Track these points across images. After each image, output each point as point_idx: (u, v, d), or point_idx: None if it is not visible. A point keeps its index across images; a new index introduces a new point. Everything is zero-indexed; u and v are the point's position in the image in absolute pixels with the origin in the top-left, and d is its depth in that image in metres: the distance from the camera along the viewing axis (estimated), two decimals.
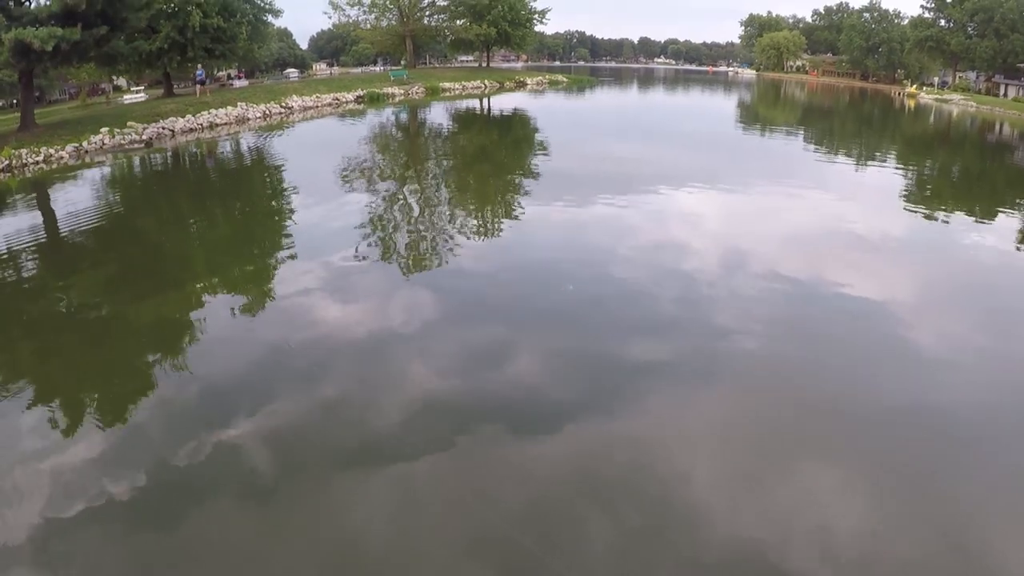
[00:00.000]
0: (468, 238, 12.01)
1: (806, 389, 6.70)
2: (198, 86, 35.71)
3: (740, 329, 7.87)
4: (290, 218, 14.39)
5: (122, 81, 58.57)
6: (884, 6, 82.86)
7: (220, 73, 73.54)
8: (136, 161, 23.40)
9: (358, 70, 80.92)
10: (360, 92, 42.68)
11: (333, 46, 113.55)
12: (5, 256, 12.15)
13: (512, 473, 5.30)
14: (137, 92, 52.16)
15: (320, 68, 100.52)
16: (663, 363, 7.11)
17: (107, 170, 21.71)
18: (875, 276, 10.10)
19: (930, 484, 5.32)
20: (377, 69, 64.16)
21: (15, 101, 52.32)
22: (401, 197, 15.99)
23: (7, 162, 22.50)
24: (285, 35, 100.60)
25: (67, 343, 8.26)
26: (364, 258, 10.80)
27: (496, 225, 13.16)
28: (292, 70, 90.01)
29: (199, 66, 35.23)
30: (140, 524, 4.87)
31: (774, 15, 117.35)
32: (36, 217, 15.61)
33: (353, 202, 15.23)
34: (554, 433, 5.81)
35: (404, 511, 4.89)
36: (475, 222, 13.44)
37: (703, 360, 7.20)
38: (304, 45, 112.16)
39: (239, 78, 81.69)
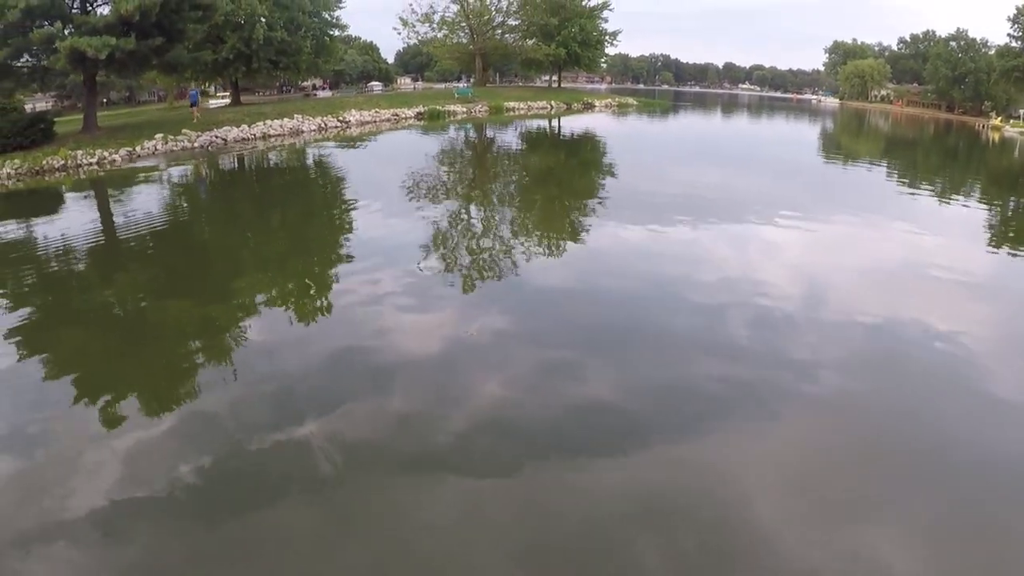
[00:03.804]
0: (537, 258, 11.80)
1: (878, 430, 6.44)
2: (192, 108, 32.37)
3: (814, 364, 7.63)
4: (339, 230, 14.51)
5: (210, 86, 61.82)
6: (972, 34, 78.09)
7: (305, 83, 76.85)
8: (184, 167, 24.07)
9: (441, 85, 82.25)
10: (420, 108, 42.99)
11: (418, 61, 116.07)
12: (61, 252, 12.85)
13: (572, 492, 5.31)
14: (224, 98, 54.93)
15: (404, 82, 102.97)
16: (731, 393, 6.94)
17: (153, 174, 22.41)
18: (957, 317, 9.50)
19: (1001, 543, 4.94)
20: (460, 85, 64.88)
21: (104, 100, 56.17)
22: (460, 216, 15.67)
23: (63, 162, 23.68)
24: (371, 48, 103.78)
25: (121, 338, 8.58)
26: (425, 271, 10.72)
27: (564, 246, 12.91)
28: (376, 83, 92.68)
29: (191, 85, 35.33)
30: (197, 516, 5.01)
31: (859, 42, 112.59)
32: (86, 215, 16.60)
33: (406, 217, 15.02)
34: (616, 456, 5.78)
35: (461, 521, 4.96)
36: (543, 242, 13.17)
37: (773, 393, 6.97)
38: (391, 59, 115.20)
39: (323, 88, 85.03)
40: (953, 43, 78.74)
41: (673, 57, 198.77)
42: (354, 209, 16.49)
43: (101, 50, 21.20)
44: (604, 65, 77.90)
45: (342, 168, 23.97)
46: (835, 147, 40.37)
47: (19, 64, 23.40)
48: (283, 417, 6.29)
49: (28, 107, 31.10)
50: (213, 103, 51.45)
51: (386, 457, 5.71)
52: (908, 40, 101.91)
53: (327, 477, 5.41)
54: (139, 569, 4.51)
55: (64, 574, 4.52)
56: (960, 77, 75.14)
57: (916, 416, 6.69)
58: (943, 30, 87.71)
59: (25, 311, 9.46)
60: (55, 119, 27.98)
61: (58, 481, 5.39)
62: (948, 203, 20.84)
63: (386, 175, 20.98)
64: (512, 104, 51.05)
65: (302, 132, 33.29)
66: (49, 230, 14.75)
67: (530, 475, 5.50)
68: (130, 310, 9.90)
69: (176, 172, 23.21)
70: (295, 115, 34.21)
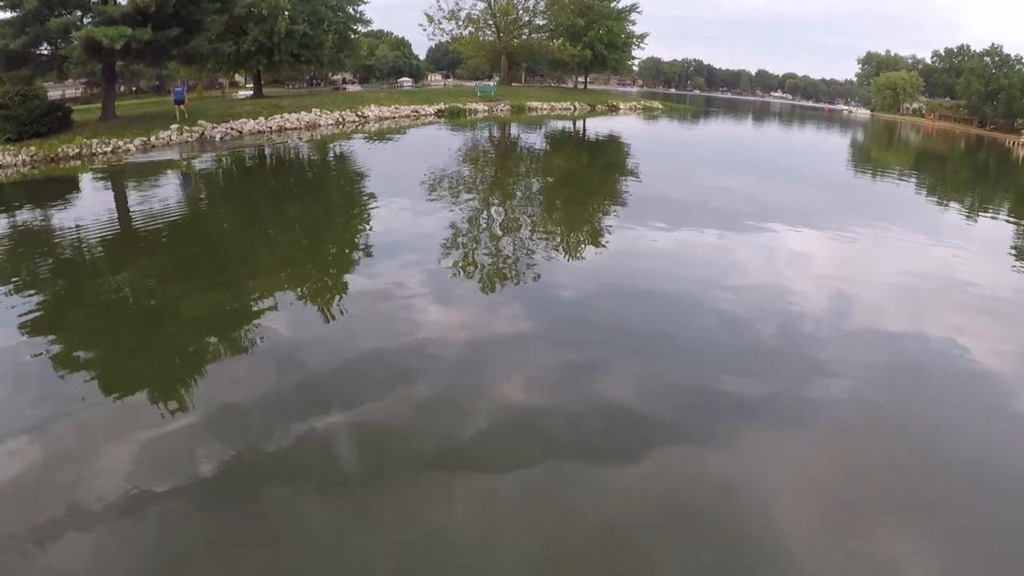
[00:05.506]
0: (559, 259, 11.78)
1: (901, 444, 6.49)
2: (178, 105, 29.14)
3: (840, 375, 7.68)
4: (355, 226, 14.48)
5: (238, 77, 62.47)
6: (1007, 50, 76.03)
7: (335, 77, 77.29)
8: (197, 159, 24.23)
9: (472, 83, 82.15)
10: (441, 106, 42.85)
11: (449, 58, 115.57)
12: (66, 240, 13.14)
13: (591, 494, 5.35)
14: (250, 89, 55.47)
15: (435, 79, 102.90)
16: (754, 402, 6.98)
17: (165, 164, 22.60)
18: (983, 333, 9.49)
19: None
20: (485, 83, 64.74)
21: (134, 88, 57.04)
22: (480, 215, 15.58)
23: (78, 150, 23.96)
24: (403, 44, 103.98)
25: (135, 326, 8.61)
26: (445, 270, 10.74)
27: (586, 248, 12.80)
28: (406, 79, 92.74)
29: (179, 82, 35.20)
30: (215, 505, 5.11)
31: (893, 54, 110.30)
32: (99, 204, 16.87)
33: (424, 214, 15.01)
34: (636, 459, 5.84)
35: (478, 520, 5.04)
36: (566, 244, 13.12)
37: (796, 404, 7.05)
38: (422, 56, 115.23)
39: (352, 83, 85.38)
40: (987, 58, 76.95)
41: (706, 63, 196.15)
42: (369, 206, 16.51)
43: (116, 40, 21.37)
44: (635, 68, 77.09)
45: (356, 162, 23.90)
46: (865, 159, 39.64)
47: (37, 52, 23.70)
48: (301, 410, 6.36)
49: (56, 94, 31.65)
50: (242, 94, 51.96)
51: (404, 453, 5.76)
52: (943, 54, 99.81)
53: (345, 470, 5.50)
54: (157, 554, 4.65)
55: (84, 557, 4.66)
56: (993, 93, 73.52)
57: (943, 430, 6.71)
58: (979, 45, 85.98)
59: (36, 298, 9.58)
60: (82, 106, 28.42)
61: (75, 466, 5.51)
62: (975, 219, 20.52)
63: (401, 171, 20.89)
64: (535, 104, 50.68)
65: (319, 126, 33.33)
66: (62, 217, 15.22)
67: (549, 475, 5.54)
68: (143, 299, 9.87)
69: (188, 164, 23.33)
70: (313, 109, 34.27)
